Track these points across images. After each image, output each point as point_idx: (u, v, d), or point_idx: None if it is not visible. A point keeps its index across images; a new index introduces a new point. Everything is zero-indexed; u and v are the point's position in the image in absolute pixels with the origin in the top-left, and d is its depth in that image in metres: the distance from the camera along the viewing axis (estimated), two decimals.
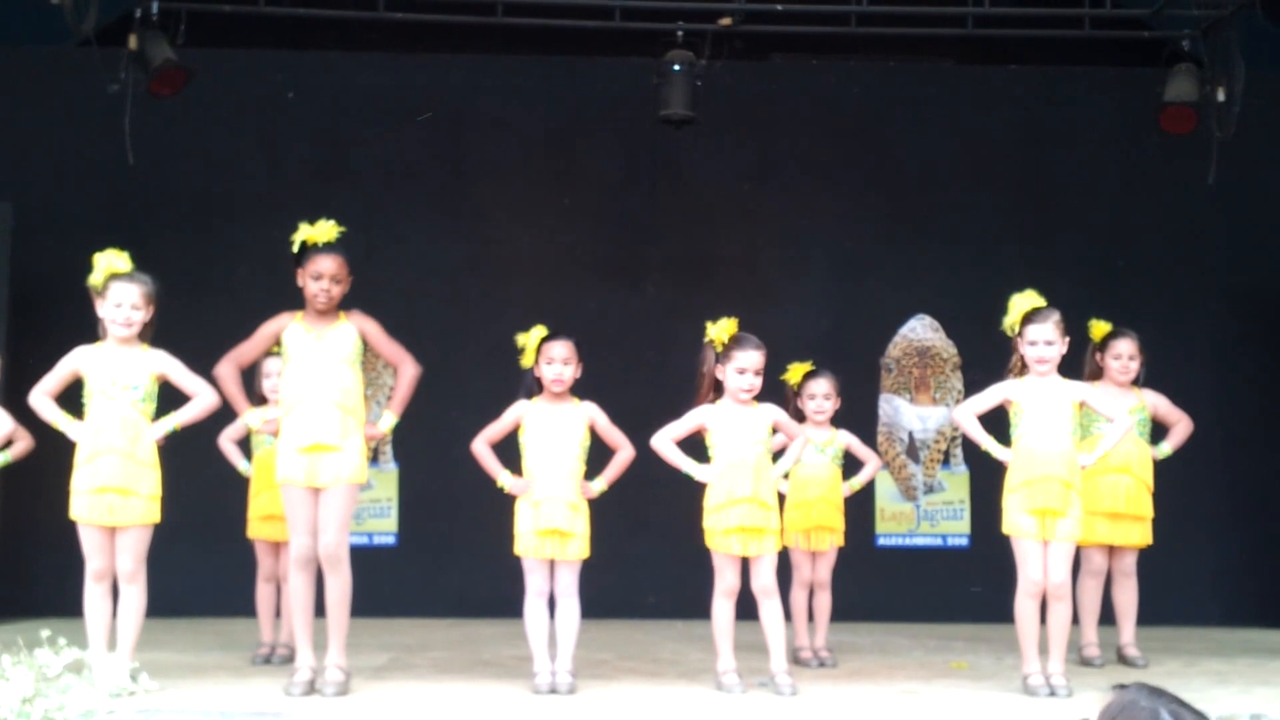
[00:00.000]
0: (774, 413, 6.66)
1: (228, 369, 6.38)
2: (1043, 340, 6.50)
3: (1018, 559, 6.48)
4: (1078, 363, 7.40)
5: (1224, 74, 9.11)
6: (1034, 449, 6.46)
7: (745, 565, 6.53)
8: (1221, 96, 9.10)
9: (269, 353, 6.76)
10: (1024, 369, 6.59)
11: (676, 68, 9.19)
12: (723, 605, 6.51)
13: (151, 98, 8.95)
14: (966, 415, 6.65)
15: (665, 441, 6.59)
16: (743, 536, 6.42)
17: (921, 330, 10.12)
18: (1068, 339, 6.58)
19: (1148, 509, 7.58)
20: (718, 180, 10.27)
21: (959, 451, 9.98)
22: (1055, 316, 6.53)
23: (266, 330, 6.41)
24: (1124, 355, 7.60)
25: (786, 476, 7.15)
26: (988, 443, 6.59)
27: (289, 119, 10.15)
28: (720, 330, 6.57)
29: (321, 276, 6.28)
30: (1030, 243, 10.07)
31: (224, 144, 10.06)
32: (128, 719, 5.53)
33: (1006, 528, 6.50)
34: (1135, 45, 9.93)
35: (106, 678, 5.86)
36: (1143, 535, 7.60)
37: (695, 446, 6.67)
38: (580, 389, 6.66)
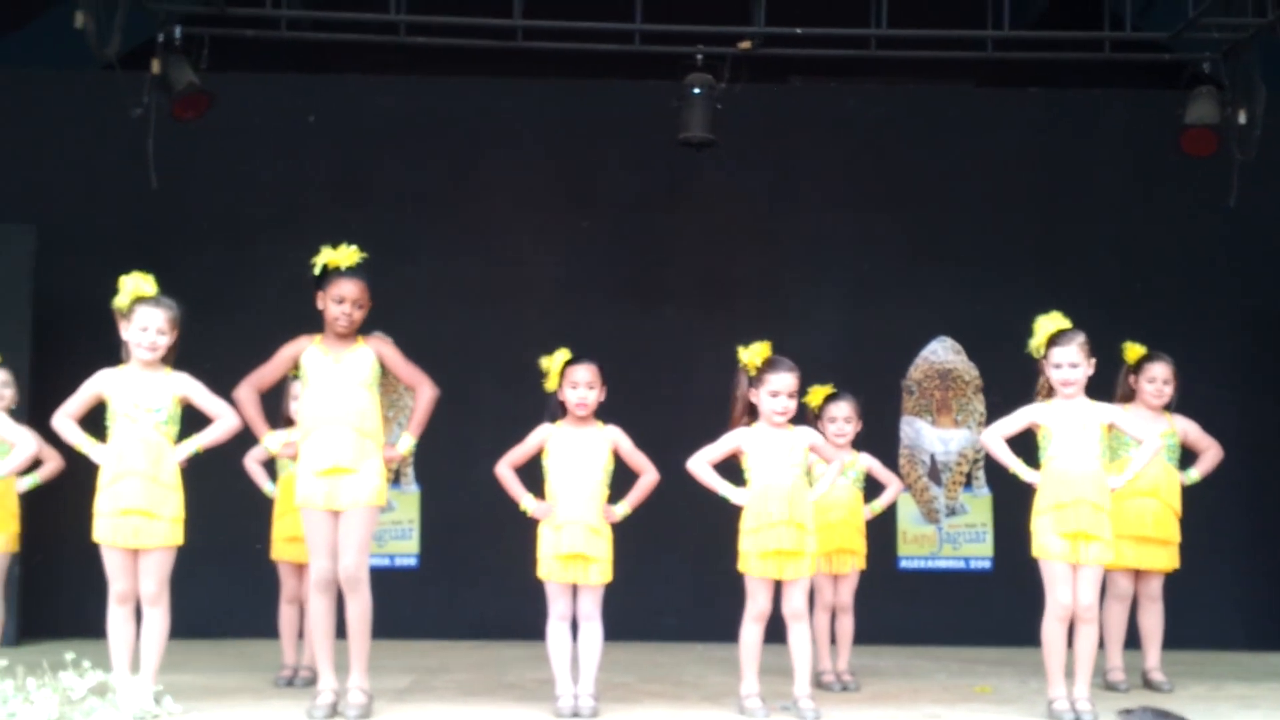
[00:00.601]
0: (810, 436, 6.67)
1: (247, 393, 6.41)
2: (1067, 363, 6.50)
3: (1046, 582, 6.46)
4: (1105, 385, 7.37)
5: (1245, 96, 9.10)
6: (1063, 472, 6.45)
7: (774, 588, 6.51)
8: (1242, 119, 9.09)
9: (291, 375, 6.77)
10: (1051, 391, 6.58)
11: (696, 90, 9.20)
12: (752, 629, 6.49)
13: (174, 121, 9.01)
14: (994, 439, 6.64)
15: (701, 464, 6.59)
16: (778, 560, 6.41)
17: (943, 352, 10.10)
18: (1093, 360, 6.57)
19: (1175, 533, 7.56)
20: (737, 203, 10.28)
21: (981, 474, 9.96)
22: (1080, 338, 6.53)
23: (285, 353, 6.44)
24: (1158, 379, 7.59)
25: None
26: (1016, 465, 6.57)
27: (310, 142, 10.19)
28: (753, 354, 6.57)
29: (344, 300, 6.32)
30: (1050, 265, 10.05)
31: (245, 167, 10.10)
32: None
33: (1036, 550, 6.48)
34: (1156, 68, 9.93)
35: (130, 700, 5.87)
36: (1169, 560, 7.58)
37: (730, 470, 6.66)
38: (600, 412, 6.67)
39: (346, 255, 6.39)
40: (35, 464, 7.22)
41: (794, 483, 6.47)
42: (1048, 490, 6.48)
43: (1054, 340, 6.54)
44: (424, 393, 6.49)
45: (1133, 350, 7.68)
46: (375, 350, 6.42)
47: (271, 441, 6.61)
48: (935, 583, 9.93)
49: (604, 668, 6.60)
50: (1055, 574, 6.43)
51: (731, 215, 10.26)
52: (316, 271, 6.40)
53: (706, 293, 10.14)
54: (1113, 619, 7.50)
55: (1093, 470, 6.46)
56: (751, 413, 6.59)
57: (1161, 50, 9.61)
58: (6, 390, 7.27)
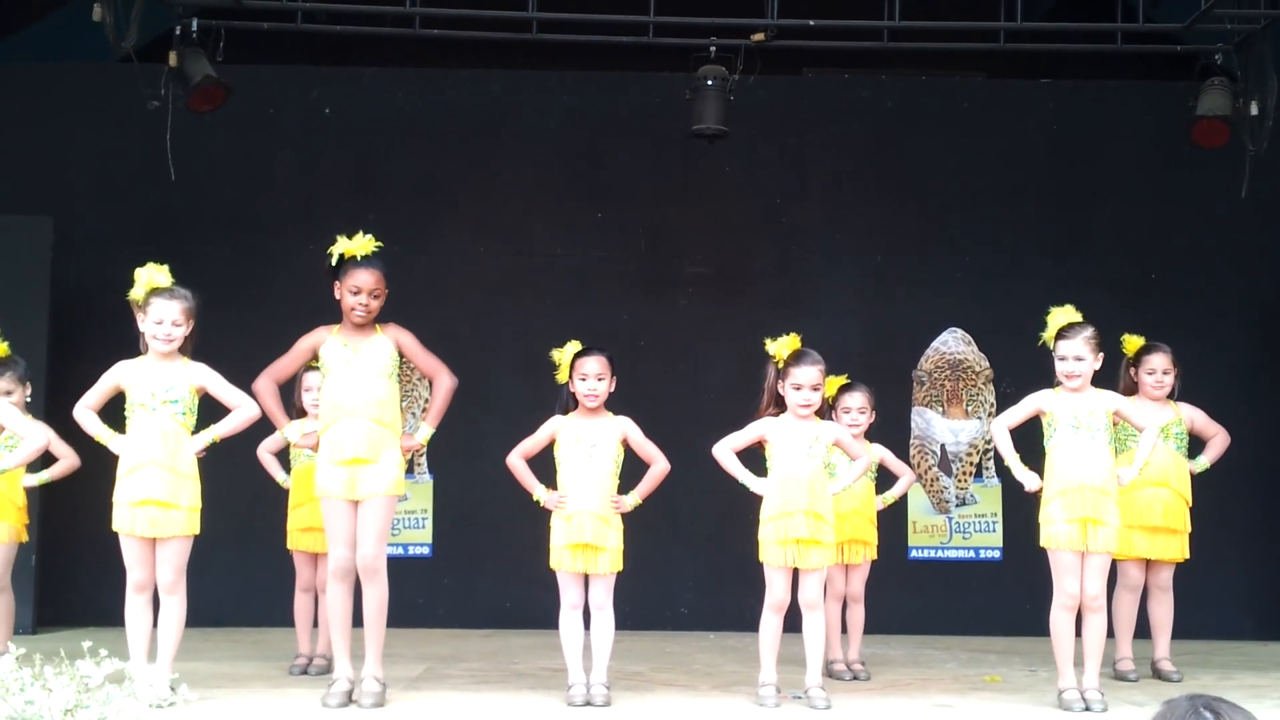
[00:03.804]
0: (836, 431, 6.72)
1: (265, 384, 6.45)
2: (1072, 355, 6.53)
3: (1054, 571, 6.50)
4: (1113, 377, 7.40)
5: (1257, 88, 9.10)
6: (1069, 457, 6.48)
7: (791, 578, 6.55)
8: (1254, 110, 9.09)
9: (308, 366, 6.82)
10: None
11: (709, 82, 9.23)
12: (770, 619, 6.52)
13: (191, 113, 9.05)
14: (999, 429, 6.69)
15: (725, 451, 6.63)
16: (796, 549, 6.45)
17: (954, 343, 10.13)
18: (1101, 354, 6.60)
19: (1185, 523, 7.57)
20: (750, 194, 10.31)
21: (991, 464, 9.98)
22: (1086, 332, 6.56)
23: (303, 345, 6.46)
24: (1158, 370, 7.59)
25: None
26: (1011, 460, 6.61)
27: (326, 134, 10.23)
28: (780, 346, 6.60)
29: (359, 291, 6.33)
30: (1062, 256, 10.07)
31: (262, 159, 10.15)
32: None
33: (1044, 540, 6.51)
34: (1168, 59, 9.93)
35: (147, 688, 5.91)
36: (1180, 549, 7.59)
37: (753, 461, 6.70)
38: (612, 402, 6.70)
39: (362, 245, 6.39)
40: (47, 459, 7.22)
41: (814, 474, 6.51)
42: (1054, 477, 6.51)
43: (1062, 333, 6.58)
44: (443, 382, 6.51)
45: (1131, 343, 7.68)
46: (394, 340, 6.43)
47: (291, 432, 6.66)
48: (945, 573, 9.96)
49: (616, 657, 6.64)
50: (1063, 564, 6.46)
51: (744, 206, 10.29)
52: (333, 262, 6.42)
53: (719, 283, 10.17)
54: (1123, 609, 7.52)
55: (1100, 457, 6.49)
56: (779, 403, 6.63)
57: (1173, 42, 9.61)
58: (17, 388, 7.25)
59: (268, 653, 8.00)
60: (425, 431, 6.58)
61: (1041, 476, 6.58)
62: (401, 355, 6.47)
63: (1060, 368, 6.57)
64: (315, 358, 6.50)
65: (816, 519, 6.47)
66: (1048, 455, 6.57)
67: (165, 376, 6.31)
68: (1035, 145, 10.37)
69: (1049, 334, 6.65)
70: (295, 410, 7.23)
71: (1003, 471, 9.74)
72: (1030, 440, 6.71)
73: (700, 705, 6.58)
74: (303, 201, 10.03)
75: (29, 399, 7.30)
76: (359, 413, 6.29)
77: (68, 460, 7.26)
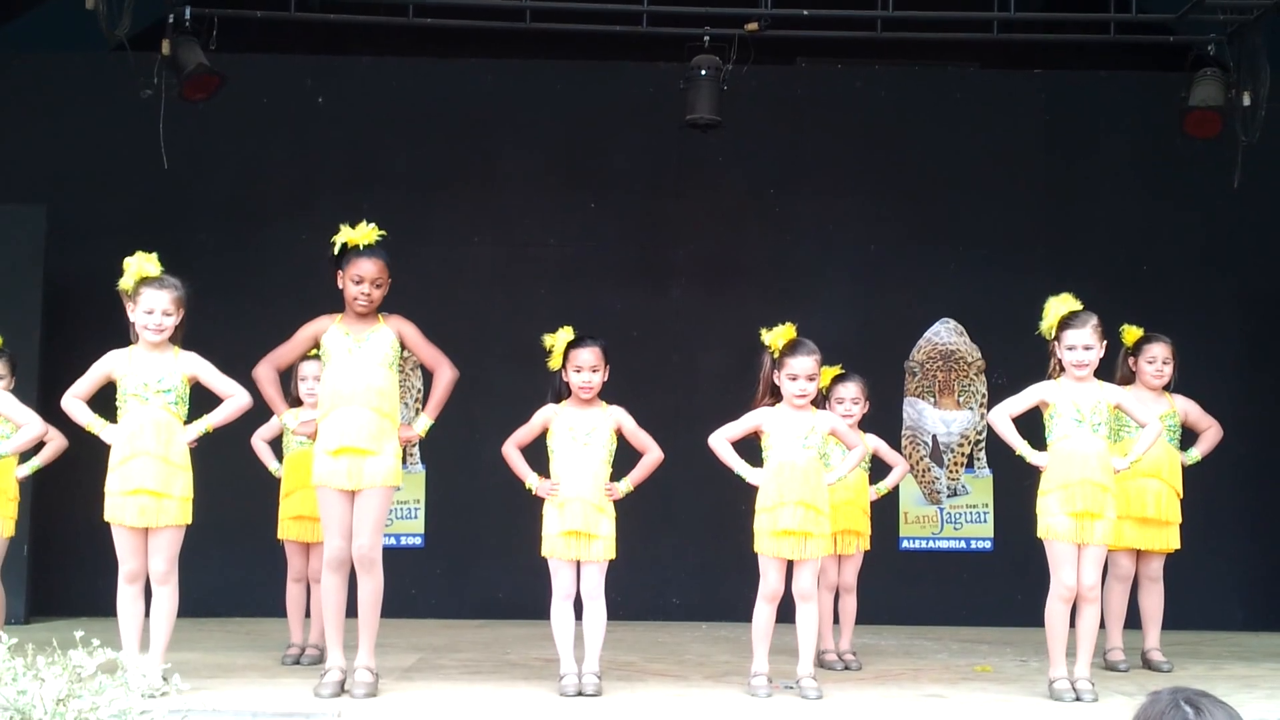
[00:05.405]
0: (831, 420, 6.72)
1: (266, 371, 6.44)
2: (1081, 345, 6.49)
3: (1051, 563, 6.49)
4: (1110, 367, 7.40)
5: (1249, 78, 9.13)
6: (1071, 451, 6.47)
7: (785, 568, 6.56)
8: (1247, 101, 9.12)
9: (307, 355, 6.80)
10: (1064, 372, 6.59)
11: (703, 72, 9.25)
12: (763, 609, 6.53)
13: (184, 103, 9.04)
14: (1001, 418, 6.66)
15: (721, 441, 6.63)
16: (791, 540, 6.46)
17: (945, 334, 10.14)
18: (1105, 343, 6.58)
19: (1176, 514, 7.58)
20: (743, 184, 10.31)
21: (983, 455, 10.00)
22: (1094, 320, 6.52)
23: (305, 333, 6.45)
24: (1157, 359, 7.60)
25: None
26: (1021, 446, 6.59)
27: (319, 124, 10.23)
28: (776, 336, 6.59)
29: (362, 280, 6.31)
30: (1055, 247, 10.09)
31: (255, 149, 10.14)
32: (160, 719, 5.60)
33: (1042, 531, 6.50)
34: (1160, 50, 9.95)
35: (139, 678, 5.90)
36: (1171, 540, 7.60)
37: (749, 451, 6.71)
38: (606, 391, 6.70)
39: (365, 234, 6.36)
40: (38, 447, 7.21)
41: (809, 464, 6.51)
42: (1055, 470, 6.49)
43: (1067, 322, 6.52)
44: (444, 374, 6.49)
45: (1130, 333, 7.68)
46: (396, 330, 6.41)
47: (289, 419, 6.67)
48: (936, 563, 9.98)
49: (609, 646, 6.64)
50: (1060, 555, 6.45)
51: (738, 197, 10.30)
52: (335, 250, 6.40)
53: (713, 274, 10.18)
54: (1114, 599, 7.53)
55: (1099, 450, 6.48)
56: (775, 393, 6.63)
57: (1166, 32, 9.64)
58: (8, 374, 7.23)
59: (260, 643, 8.00)
60: (424, 422, 6.57)
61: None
62: (403, 346, 6.46)
63: (1069, 357, 6.51)
64: (316, 346, 6.49)
65: (811, 510, 6.47)
66: (1050, 447, 6.55)
67: (157, 366, 6.29)
68: (1028, 136, 10.38)
69: (1050, 323, 6.58)
70: (291, 399, 7.22)
71: (994, 462, 9.82)
72: (1030, 432, 6.69)
73: (692, 695, 6.58)
74: (296, 191, 10.02)
75: (11, 389, 7.30)
76: (359, 401, 6.27)
77: (55, 442, 7.23)
